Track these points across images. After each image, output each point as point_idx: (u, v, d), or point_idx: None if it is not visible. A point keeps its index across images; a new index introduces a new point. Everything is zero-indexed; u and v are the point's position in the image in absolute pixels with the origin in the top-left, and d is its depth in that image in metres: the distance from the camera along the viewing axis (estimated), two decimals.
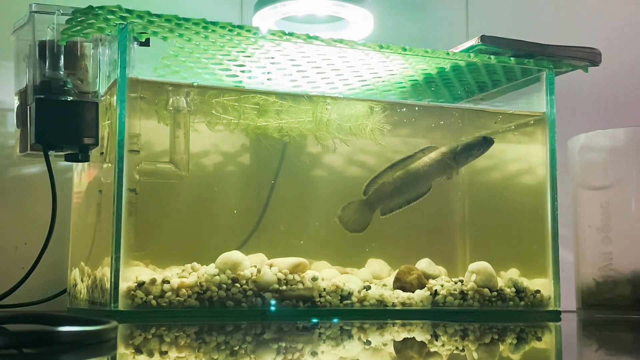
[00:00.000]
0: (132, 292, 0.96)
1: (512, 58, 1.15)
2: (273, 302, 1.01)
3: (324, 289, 1.04)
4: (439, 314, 1.08)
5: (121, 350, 0.67)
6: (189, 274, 1.01)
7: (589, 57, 1.17)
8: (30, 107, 1.03)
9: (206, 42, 1.03)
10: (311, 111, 1.13)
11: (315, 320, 0.99)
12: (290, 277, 1.03)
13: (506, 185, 1.26)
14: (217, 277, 1.00)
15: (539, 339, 0.89)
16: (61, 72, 1.02)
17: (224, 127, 1.12)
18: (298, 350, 0.70)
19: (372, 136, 1.16)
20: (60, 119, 1.01)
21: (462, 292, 1.10)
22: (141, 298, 0.96)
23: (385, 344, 0.78)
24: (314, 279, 1.04)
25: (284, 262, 1.04)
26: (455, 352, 0.72)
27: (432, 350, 0.74)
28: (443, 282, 1.11)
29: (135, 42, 1.00)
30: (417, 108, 1.22)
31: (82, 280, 1.09)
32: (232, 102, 1.11)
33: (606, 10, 1.61)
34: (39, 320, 0.76)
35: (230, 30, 1.02)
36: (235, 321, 0.96)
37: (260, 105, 1.11)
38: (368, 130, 1.15)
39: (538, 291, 1.14)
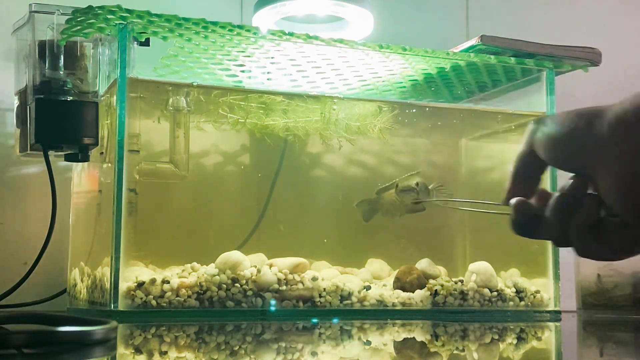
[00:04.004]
0: (132, 292, 0.96)
1: (512, 58, 1.15)
2: (273, 302, 1.01)
3: (324, 289, 1.04)
4: (439, 314, 1.08)
5: (121, 350, 0.67)
6: (189, 274, 1.01)
7: (589, 57, 1.17)
8: (30, 107, 1.03)
9: (206, 42, 1.03)
10: (312, 111, 1.13)
11: (315, 320, 0.99)
12: (290, 277, 1.03)
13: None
14: (217, 277, 1.00)
15: (539, 339, 0.89)
16: (61, 72, 1.02)
17: (230, 126, 1.12)
18: (298, 350, 0.70)
19: (380, 136, 1.16)
20: (60, 119, 1.01)
21: (462, 292, 1.10)
22: (141, 298, 0.96)
23: (385, 344, 0.78)
24: (314, 279, 1.04)
25: (284, 262, 1.04)
26: (455, 352, 0.72)
27: (432, 350, 0.74)
28: (443, 282, 1.11)
29: (135, 42, 1.00)
30: (427, 109, 1.22)
31: (82, 280, 1.09)
32: (236, 102, 1.11)
33: (606, 10, 1.61)
34: (39, 320, 0.76)
35: (230, 30, 1.02)
36: (235, 321, 0.96)
37: (266, 105, 1.11)
38: (376, 130, 1.15)
39: (538, 291, 1.14)
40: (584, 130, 0.55)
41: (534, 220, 0.60)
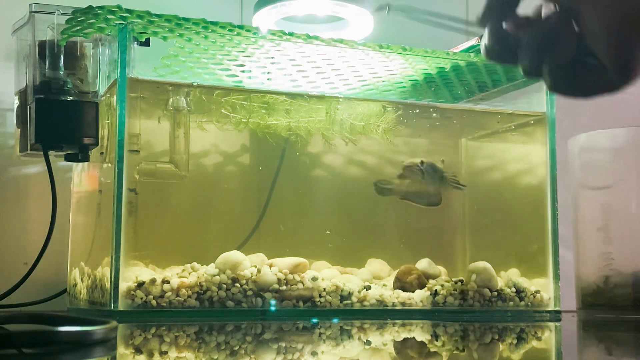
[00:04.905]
0: (132, 292, 0.96)
1: None
2: (273, 302, 1.01)
3: (324, 289, 1.04)
4: (439, 314, 1.08)
5: (121, 350, 0.67)
6: (189, 274, 1.01)
7: None
8: (30, 107, 1.03)
9: (206, 42, 1.03)
10: (314, 111, 1.14)
11: (315, 320, 0.99)
12: (290, 277, 1.03)
13: (506, 185, 1.26)
14: (217, 277, 1.00)
15: (539, 339, 0.89)
16: (61, 72, 1.02)
17: (232, 126, 1.12)
18: (298, 350, 0.70)
19: (384, 136, 1.16)
20: (60, 119, 1.01)
21: (462, 292, 1.10)
22: (141, 298, 0.96)
23: (385, 344, 0.78)
24: (314, 279, 1.04)
25: (284, 262, 1.04)
26: (455, 352, 0.72)
27: (432, 350, 0.74)
28: (443, 282, 1.11)
29: (135, 42, 1.00)
30: (427, 109, 1.22)
31: (82, 280, 1.09)
32: (238, 102, 1.11)
33: None
34: (39, 320, 0.76)
35: (230, 30, 1.02)
36: (235, 321, 0.96)
37: (268, 105, 1.12)
38: (380, 130, 1.15)
39: (538, 291, 1.14)
40: None
41: (507, 45, 0.57)
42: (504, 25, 0.58)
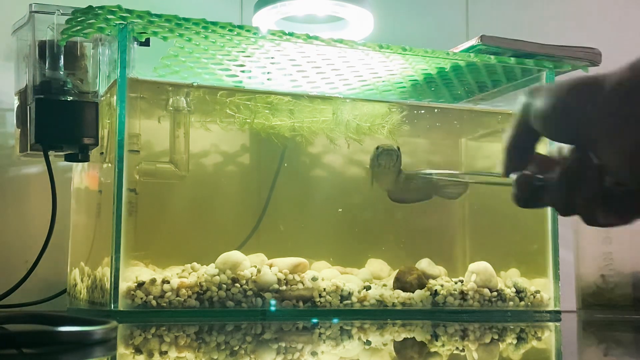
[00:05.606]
0: (132, 292, 0.96)
1: (512, 58, 1.15)
2: (273, 302, 1.01)
3: (324, 289, 1.04)
4: (439, 314, 1.08)
5: (121, 350, 0.67)
6: (189, 274, 1.01)
7: (589, 57, 1.17)
8: (30, 107, 1.03)
9: (206, 42, 1.03)
10: (319, 111, 1.14)
11: (315, 320, 0.99)
12: (290, 277, 1.03)
13: (506, 185, 1.26)
14: (217, 277, 1.00)
15: (539, 339, 0.89)
16: (61, 72, 1.02)
17: (235, 126, 1.12)
18: (298, 350, 0.70)
19: (389, 136, 1.16)
20: (60, 119, 1.01)
21: (462, 292, 1.10)
22: (141, 298, 0.96)
23: (385, 344, 0.79)
24: (314, 279, 1.04)
25: (284, 262, 1.04)
26: (455, 352, 0.72)
27: (432, 350, 0.74)
28: (443, 282, 1.11)
29: (135, 42, 1.00)
30: (427, 109, 1.22)
31: (82, 280, 1.09)
32: (242, 102, 1.11)
33: (606, 9, 1.61)
34: (39, 320, 0.76)
35: (230, 30, 1.02)
36: (235, 321, 0.96)
37: (272, 105, 1.12)
38: (386, 131, 1.15)
39: (538, 291, 1.14)
40: (581, 101, 0.54)
41: (536, 192, 0.60)
42: (528, 170, 0.61)
